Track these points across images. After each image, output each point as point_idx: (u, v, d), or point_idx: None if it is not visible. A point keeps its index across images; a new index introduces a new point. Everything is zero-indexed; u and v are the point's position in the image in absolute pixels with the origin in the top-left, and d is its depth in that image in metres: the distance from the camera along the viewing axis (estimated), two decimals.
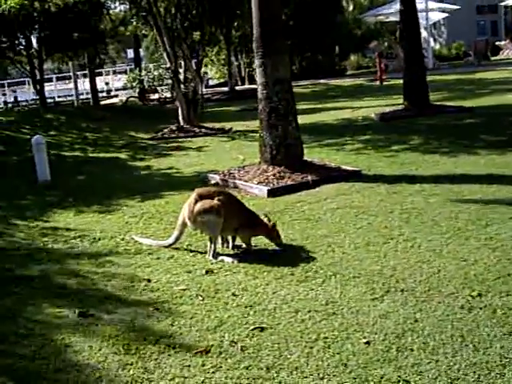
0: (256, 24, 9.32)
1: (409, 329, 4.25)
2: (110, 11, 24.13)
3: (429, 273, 5.21)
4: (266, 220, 6.23)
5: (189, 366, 3.96)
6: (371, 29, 43.20)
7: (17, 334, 4.55)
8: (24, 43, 22.10)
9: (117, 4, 22.32)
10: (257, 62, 9.44)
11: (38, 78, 22.59)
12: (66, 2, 16.63)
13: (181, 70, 17.45)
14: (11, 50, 21.76)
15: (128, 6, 19.10)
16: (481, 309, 4.46)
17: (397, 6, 16.61)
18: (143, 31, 23.44)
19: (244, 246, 6.26)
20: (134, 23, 20.60)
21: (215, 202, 5.94)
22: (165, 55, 16.79)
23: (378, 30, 43.08)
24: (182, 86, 16.76)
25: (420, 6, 27.94)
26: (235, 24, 27.66)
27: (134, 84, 18.83)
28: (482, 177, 8.35)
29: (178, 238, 6.29)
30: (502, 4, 37.76)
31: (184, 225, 6.18)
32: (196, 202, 5.99)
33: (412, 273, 5.24)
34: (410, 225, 6.56)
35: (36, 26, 21.59)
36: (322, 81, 30.67)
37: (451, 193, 7.68)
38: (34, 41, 22.62)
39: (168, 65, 16.74)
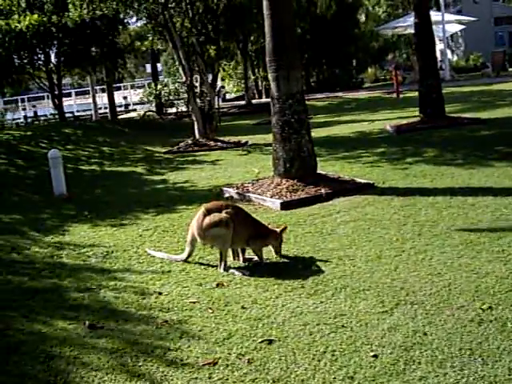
0: (269, 38, 9.37)
1: (417, 342, 4.23)
2: (127, 26, 24.37)
3: (439, 286, 5.18)
4: (271, 227, 6.34)
5: (196, 378, 3.97)
6: (388, 41, 43.21)
7: (27, 344, 4.59)
8: (43, 59, 22.38)
9: (134, 19, 22.53)
10: (270, 76, 9.49)
11: (57, 92, 22.85)
12: (83, 17, 16.77)
13: (196, 84, 17.56)
14: (30, 65, 22.04)
15: (144, 22, 19.22)
16: (491, 322, 4.43)
17: (412, 19, 16.63)
18: (159, 46, 23.61)
19: (255, 258, 6.28)
20: (150, 38, 20.75)
21: (223, 215, 5.97)
22: (180, 69, 16.92)
23: (395, 42, 43.05)
24: (198, 100, 16.85)
25: (437, 18, 28.04)
26: (252, 38, 27.78)
27: (151, 98, 18.96)
28: (496, 189, 8.29)
29: (190, 254, 6.33)
30: None
31: (194, 240, 6.21)
32: (204, 216, 6.03)
33: (423, 285, 5.22)
34: (423, 237, 6.53)
35: (54, 42, 21.87)
36: (339, 94, 30.73)
37: (465, 205, 7.63)
38: (52, 56, 22.92)
39: (183, 79, 16.85)
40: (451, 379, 3.75)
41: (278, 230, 6.30)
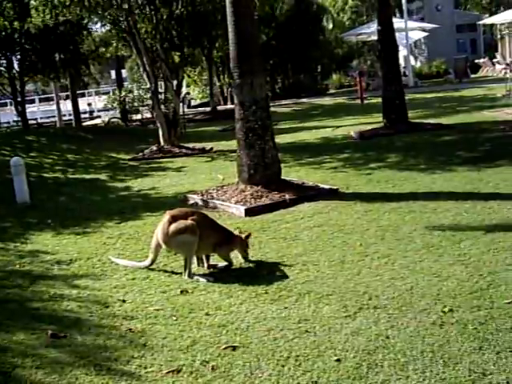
0: (232, 45, 9.40)
1: (380, 345, 4.27)
2: (92, 32, 24.19)
3: (402, 289, 5.25)
4: (237, 232, 6.40)
5: None
6: (353, 48, 43.54)
7: None
8: (5, 65, 22.09)
9: (98, 25, 22.39)
10: (233, 83, 9.53)
11: (20, 99, 22.58)
12: (46, 23, 16.61)
13: (161, 91, 17.49)
14: None
15: (109, 28, 19.10)
16: (452, 324, 4.50)
17: (376, 26, 16.84)
18: (124, 52, 23.50)
19: (220, 264, 6.31)
20: (115, 44, 20.62)
21: (189, 222, 5.98)
22: (144, 76, 16.85)
23: (360, 48, 43.42)
24: (163, 106, 16.78)
25: (400, 25, 28.36)
26: (217, 44, 27.79)
27: (115, 105, 18.81)
28: (457, 193, 8.44)
29: (153, 261, 6.31)
30: (481, 22, 38.23)
31: (158, 247, 6.20)
32: (170, 223, 6.01)
33: (385, 289, 5.27)
34: (385, 242, 6.60)
35: (17, 48, 21.63)
36: (304, 100, 30.89)
37: (427, 209, 7.74)
38: (15, 62, 22.63)
39: (148, 85, 16.77)
40: (413, 382, 3.80)
41: (243, 236, 6.33)
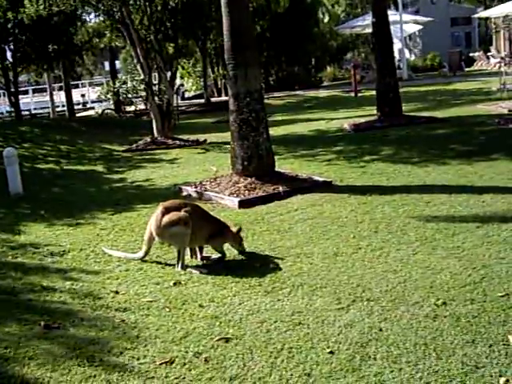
0: (227, 36, 9.36)
1: (373, 338, 4.27)
2: (85, 23, 24.12)
3: (395, 282, 5.25)
4: (229, 224, 6.38)
5: (152, 377, 3.96)
6: (347, 40, 43.52)
7: None
8: None
9: (92, 16, 22.32)
10: (228, 74, 9.50)
11: (13, 90, 22.48)
12: (40, 13, 16.50)
13: (155, 82, 17.43)
14: None
15: (102, 18, 19.01)
16: (445, 317, 4.50)
17: (370, 18, 16.82)
18: (118, 43, 23.42)
19: (213, 256, 6.30)
20: (108, 35, 20.54)
21: (182, 213, 5.97)
22: (138, 67, 16.77)
23: (354, 41, 43.39)
24: (156, 97, 16.72)
25: (395, 17, 28.34)
26: (211, 36, 27.70)
27: (108, 96, 18.70)
28: (451, 186, 8.44)
29: (147, 253, 6.30)
30: (475, 16, 38.24)
31: (152, 239, 6.19)
32: (163, 215, 6.01)
33: (378, 282, 5.27)
34: (379, 234, 6.60)
35: (10, 38, 21.52)
36: (298, 92, 30.89)
37: (421, 202, 7.74)
38: (8, 53, 22.53)
39: (142, 76, 16.72)
40: (406, 374, 3.80)
41: (234, 229, 6.30)
